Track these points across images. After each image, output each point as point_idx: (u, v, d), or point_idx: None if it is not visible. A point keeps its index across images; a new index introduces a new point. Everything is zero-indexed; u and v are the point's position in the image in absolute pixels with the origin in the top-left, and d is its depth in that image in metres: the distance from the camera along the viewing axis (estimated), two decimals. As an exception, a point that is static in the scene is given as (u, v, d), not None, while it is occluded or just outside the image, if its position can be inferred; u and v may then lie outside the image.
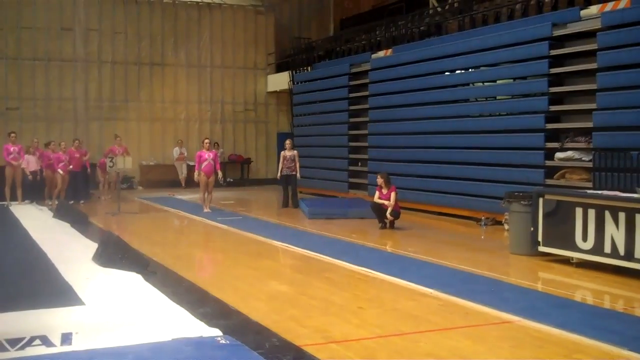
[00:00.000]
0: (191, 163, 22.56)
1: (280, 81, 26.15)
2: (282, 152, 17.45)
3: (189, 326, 6.07)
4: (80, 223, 13.75)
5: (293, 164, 17.22)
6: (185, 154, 24.84)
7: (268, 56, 27.40)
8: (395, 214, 13.37)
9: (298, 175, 17.29)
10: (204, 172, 16.13)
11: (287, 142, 17.74)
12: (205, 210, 16.21)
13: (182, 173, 24.75)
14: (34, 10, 23.74)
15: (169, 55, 25.87)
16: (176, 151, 24.95)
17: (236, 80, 26.99)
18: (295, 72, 24.64)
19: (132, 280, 8.14)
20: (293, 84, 24.66)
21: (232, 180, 25.64)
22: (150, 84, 25.58)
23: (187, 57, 26.10)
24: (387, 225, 13.39)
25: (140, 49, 25.38)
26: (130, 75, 25.25)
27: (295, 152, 17.38)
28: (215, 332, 5.86)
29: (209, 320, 6.29)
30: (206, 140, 16.76)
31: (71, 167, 18.19)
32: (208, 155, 16.22)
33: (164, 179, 24.77)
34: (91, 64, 24.67)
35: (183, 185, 24.33)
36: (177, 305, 6.90)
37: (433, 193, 15.87)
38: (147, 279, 8.21)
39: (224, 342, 5.61)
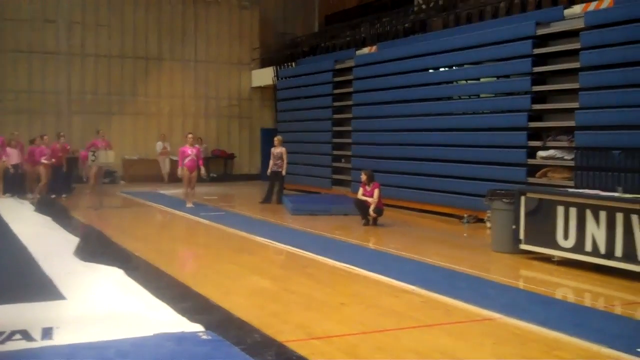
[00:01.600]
0: (174, 158, 22.47)
1: (264, 77, 26.08)
2: (272, 149, 17.47)
3: (171, 321, 6.04)
4: (62, 217, 13.66)
5: (280, 160, 17.21)
6: (169, 149, 24.74)
7: (252, 51, 27.33)
8: (379, 210, 13.40)
9: (283, 172, 17.25)
10: (187, 167, 16.07)
11: (276, 139, 17.75)
12: (188, 205, 16.16)
13: (165, 168, 24.67)
14: (16, 2, 23.53)
15: (153, 49, 25.74)
16: (159, 146, 24.85)
17: (220, 75, 26.90)
18: (280, 68, 24.59)
19: (113, 275, 8.08)
20: (277, 79, 24.61)
21: (215, 175, 25.57)
22: (134, 78, 25.44)
23: (171, 51, 25.99)
24: (370, 222, 13.41)
25: (124, 43, 25.23)
26: (114, 68, 25.09)
27: (283, 149, 17.35)
28: (197, 328, 5.83)
29: (191, 315, 6.26)
30: (190, 135, 16.69)
31: (53, 160, 18.02)
32: (191, 150, 16.16)
33: (147, 173, 24.66)
34: (74, 57, 24.49)
35: (166, 180, 24.24)
36: (159, 300, 6.87)
37: (416, 190, 15.91)
38: (128, 274, 8.16)
39: (205, 337, 5.59)
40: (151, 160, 25.13)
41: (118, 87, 25.15)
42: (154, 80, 25.76)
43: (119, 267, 8.49)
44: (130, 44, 25.33)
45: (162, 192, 20.75)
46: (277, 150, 17.32)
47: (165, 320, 6.09)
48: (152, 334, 5.59)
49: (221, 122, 27.09)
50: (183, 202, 16.51)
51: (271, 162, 17.37)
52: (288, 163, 17.47)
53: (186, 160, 16.05)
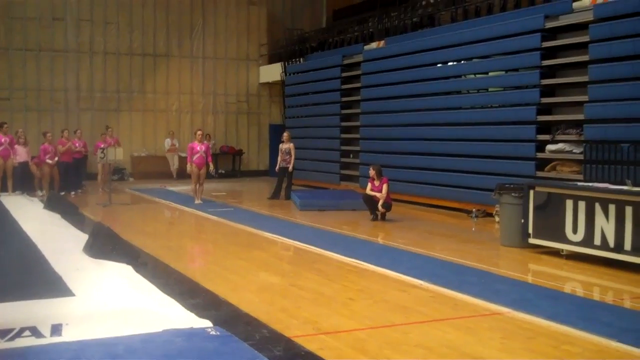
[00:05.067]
0: (183, 154, 22.51)
1: (272, 72, 26.08)
2: (280, 145, 17.48)
3: (180, 317, 6.06)
4: (71, 214, 13.68)
5: (288, 156, 17.21)
6: (177, 146, 24.79)
7: (260, 47, 27.30)
8: (387, 206, 13.39)
9: (290, 168, 17.25)
10: (195, 164, 16.08)
11: (284, 134, 17.76)
12: (197, 201, 16.18)
13: (174, 164, 24.72)
14: (24, 0, 23.57)
15: (161, 46, 25.75)
16: (167, 142, 24.90)
17: (228, 72, 26.90)
18: (288, 64, 24.58)
19: (122, 272, 8.11)
20: (285, 75, 24.62)
21: (223, 171, 25.60)
22: (142, 74, 25.46)
23: (179, 48, 25.99)
24: (379, 217, 13.40)
25: (132, 40, 25.25)
26: (122, 66, 25.12)
27: (291, 144, 17.34)
28: (206, 323, 5.85)
29: (200, 311, 6.29)
30: (199, 132, 16.70)
31: (56, 159, 18.06)
32: (200, 147, 16.17)
33: (155, 170, 24.70)
34: (83, 55, 24.52)
35: (174, 176, 24.30)
36: (168, 296, 6.90)
37: (425, 185, 15.89)
38: (137, 270, 8.19)
39: (214, 333, 5.61)
40: (160, 157, 25.19)
41: (126, 84, 25.18)
42: (162, 77, 25.78)
43: (128, 263, 8.51)
44: (138, 41, 25.34)
45: (170, 188, 20.79)
46: (285, 145, 17.32)
47: (174, 316, 6.11)
48: (161, 330, 5.61)
49: (229, 118, 27.09)
50: (191, 199, 16.54)
51: (279, 158, 17.38)
52: (296, 158, 17.47)
53: (195, 157, 16.07)
